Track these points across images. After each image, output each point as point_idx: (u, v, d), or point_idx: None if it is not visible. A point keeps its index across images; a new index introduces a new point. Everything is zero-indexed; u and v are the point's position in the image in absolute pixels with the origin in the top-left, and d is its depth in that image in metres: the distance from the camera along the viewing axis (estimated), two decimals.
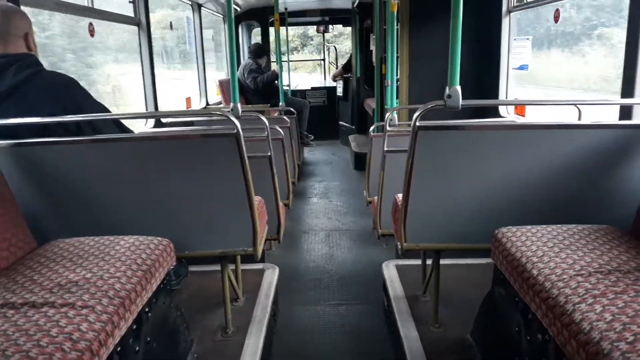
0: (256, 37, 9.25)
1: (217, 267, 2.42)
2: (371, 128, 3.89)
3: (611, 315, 1.27)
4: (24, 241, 1.85)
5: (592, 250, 1.66)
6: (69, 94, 2.06)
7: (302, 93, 9.35)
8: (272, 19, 5.95)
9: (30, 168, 2.02)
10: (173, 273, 2.77)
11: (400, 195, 2.27)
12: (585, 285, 1.43)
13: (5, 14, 2.05)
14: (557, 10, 3.50)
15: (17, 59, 2.02)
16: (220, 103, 6.94)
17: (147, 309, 1.77)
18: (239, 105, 3.07)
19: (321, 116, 9.10)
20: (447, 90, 1.92)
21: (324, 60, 11.06)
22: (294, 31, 13.52)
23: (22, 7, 2.35)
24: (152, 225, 2.10)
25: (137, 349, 1.67)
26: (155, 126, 4.52)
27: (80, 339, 1.27)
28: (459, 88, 1.92)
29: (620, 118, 2.62)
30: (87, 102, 2.13)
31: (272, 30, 8.14)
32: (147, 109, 4.53)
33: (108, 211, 2.11)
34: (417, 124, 1.97)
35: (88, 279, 1.57)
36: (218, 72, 7.80)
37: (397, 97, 4.53)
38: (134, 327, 1.64)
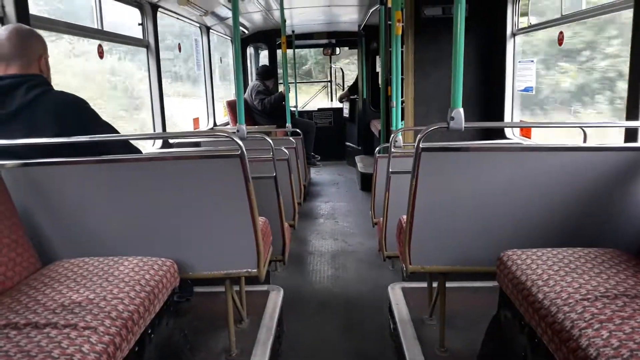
0: (264, 59, 9.36)
1: (222, 288, 2.41)
2: (377, 149, 3.90)
3: (618, 342, 1.25)
4: (29, 261, 1.86)
5: (599, 274, 1.64)
6: (74, 114, 2.08)
7: (308, 114, 9.41)
8: (280, 41, 6.03)
9: (36, 188, 2.04)
10: (177, 294, 2.76)
11: (405, 217, 2.26)
12: (591, 310, 1.41)
13: (24, 36, 2.10)
14: (561, 32, 3.52)
15: (28, 78, 2.06)
16: (227, 124, 7.00)
17: (149, 331, 1.76)
18: (244, 126, 3.09)
19: (328, 137, 9.14)
20: (450, 112, 1.93)
21: (330, 82, 11.14)
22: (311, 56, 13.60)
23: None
24: (156, 245, 2.11)
25: None
26: (162, 147, 4.56)
27: None
28: (461, 110, 1.93)
29: (626, 140, 2.61)
30: (93, 123, 2.15)
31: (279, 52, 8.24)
32: (154, 130, 4.58)
33: (113, 231, 2.12)
34: (421, 145, 1.97)
35: (91, 299, 1.57)
36: (225, 92, 7.89)
37: (402, 119, 4.54)
38: (137, 349, 1.63)
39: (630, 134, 2.60)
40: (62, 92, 2.18)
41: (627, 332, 1.28)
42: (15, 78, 2.04)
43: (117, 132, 2.27)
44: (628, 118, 2.56)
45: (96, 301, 1.56)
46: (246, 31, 7.91)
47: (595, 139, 2.87)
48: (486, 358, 2.21)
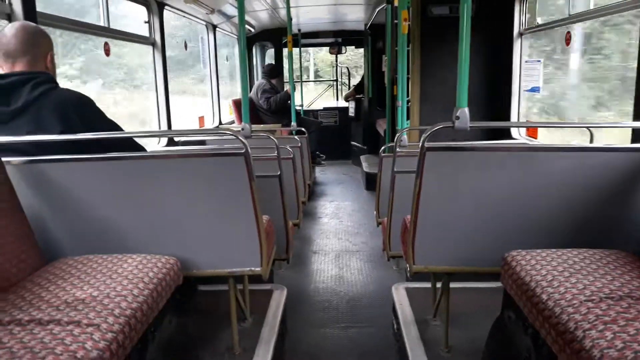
0: (270, 57, 9.37)
1: (226, 287, 2.42)
2: (382, 148, 3.90)
3: (622, 343, 1.24)
4: (33, 258, 1.87)
5: (603, 275, 1.63)
6: (78, 112, 2.08)
7: (314, 113, 9.41)
8: (286, 40, 6.03)
9: (41, 185, 2.05)
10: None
11: (409, 217, 2.25)
12: (595, 311, 1.40)
13: (30, 34, 2.11)
14: (568, 32, 3.50)
15: (35, 76, 2.07)
16: (233, 122, 7.01)
17: (153, 328, 1.76)
18: (249, 125, 3.09)
19: (333, 136, 9.13)
20: (455, 112, 1.93)
21: (336, 81, 11.14)
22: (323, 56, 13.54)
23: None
24: (160, 243, 2.11)
25: None
26: (167, 145, 4.58)
27: (85, 358, 1.27)
28: (467, 109, 1.92)
29: (633, 141, 2.60)
30: (98, 120, 2.16)
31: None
32: (160, 128, 4.59)
33: (117, 229, 2.13)
34: (426, 145, 1.97)
35: (95, 297, 1.57)
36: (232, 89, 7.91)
37: (408, 118, 4.54)
38: (140, 346, 1.64)
39: (637, 135, 2.58)
40: (68, 90, 2.19)
41: (631, 334, 1.27)
42: (21, 75, 2.05)
43: (121, 130, 2.28)
44: (635, 118, 2.54)
45: (99, 298, 1.56)
46: (252, 30, 7.92)
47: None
48: (490, 359, 2.21)
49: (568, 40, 3.51)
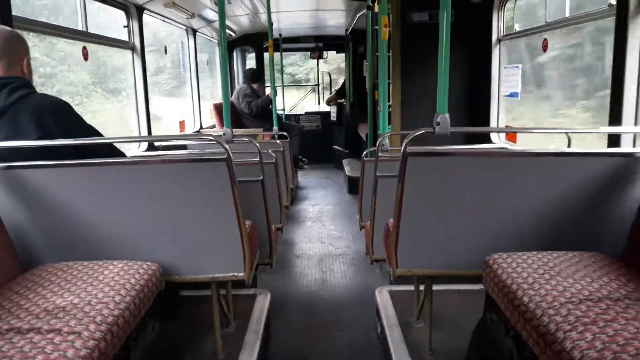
0: (251, 61, 9.35)
1: (209, 292, 2.40)
2: (364, 153, 3.92)
3: (602, 344, 1.27)
4: (11, 265, 1.84)
5: (583, 277, 1.67)
6: (55, 117, 2.04)
7: (296, 118, 9.40)
8: (267, 44, 6.04)
9: (19, 191, 2.01)
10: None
11: (392, 220, 2.27)
12: (575, 312, 1.43)
13: (6, 38, 2.07)
14: (545, 39, 3.57)
15: (11, 81, 2.03)
16: (214, 126, 6.97)
17: (135, 335, 1.74)
18: (230, 129, 3.07)
19: (315, 140, 9.14)
20: (436, 118, 1.95)
21: (317, 85, 11.16)
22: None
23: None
24: (141, 249, 2.09)
25: None
26: (148, 149, 4.53)
27: None
28: (447, 115, 1.94)
29: (609, 145, 2.65)
30: (76, 126, 2.12)
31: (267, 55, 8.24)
32: (140, 133, 4.54)
33: (97, 235, 2.10)
34: (407, 149, 1.98)
35: (75, 304, 1.55)
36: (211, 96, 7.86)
37: (389, 123, 4.57)
38: (122, 353, 1.62)
39: (613, 140, 2.64)
40: (45, 95, 2.15)
41: (610, 335, 1.30)
42: None
43: (101, 135, 2.25)
44: (611, 124, 2.60)
45: (80, 306, 1.54)
46: (233, 34, 7.90)
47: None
48: None
49: (545, 46, 3.58)
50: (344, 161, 7.66)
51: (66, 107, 2.14)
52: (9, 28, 2.17)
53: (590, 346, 1.27)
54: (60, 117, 2.08)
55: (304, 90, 11.70)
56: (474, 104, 4.73)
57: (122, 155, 2.40)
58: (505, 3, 4.30)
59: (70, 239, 2.10)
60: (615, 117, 2.56)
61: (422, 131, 1.97)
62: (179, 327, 2.71)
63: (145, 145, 4.55)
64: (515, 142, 4.13)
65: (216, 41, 7.45)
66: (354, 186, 6.51)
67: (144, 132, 4.57)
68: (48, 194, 2.03)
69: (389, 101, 4.56)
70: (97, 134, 2.21)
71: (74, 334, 1.39)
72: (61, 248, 2.09)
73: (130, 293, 1.69)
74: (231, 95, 7.12)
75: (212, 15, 5.93)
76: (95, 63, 4.31)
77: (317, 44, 9.37)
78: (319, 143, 9.18)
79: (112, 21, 4.41)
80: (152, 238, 2.13)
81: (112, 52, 4.53)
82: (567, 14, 3.37)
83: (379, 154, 3.03)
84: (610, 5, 2.76)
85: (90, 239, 2.10)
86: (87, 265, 1.87)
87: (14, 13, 2.54)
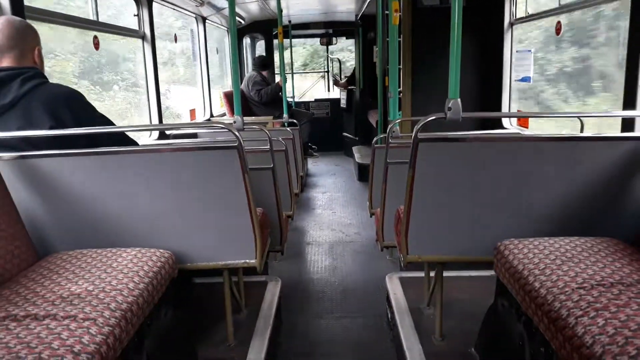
0: (261, 49, 9.32)
1: (220, 279, 2.42)
2: (374, 140, 3.91)
3: (614, 329, 1.26)
4: (27, 253, 1.86)
5: (595, 262, 1.65)
6: (66, 106, 2.06)
7: (305, 105, 9.38)
8: (276, 31, 6.00)
9: (33, 180, 2.04)
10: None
11: (402, 207, 2.27)
12: (587, 298, 1.43)
13: (17, 28, 2.08)
14: (559, 22, 3.52)
15: (24, 71, 2.05)
16: (224, 115, 6.98)
17: (149, 322, 1.76)
18: (241, 117, 3.08)
19: (325, 128, 9.12)
20: (447, 103, 1.93)
21: (327, 72, 11.10)
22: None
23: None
24: (154, 237, 2.11)
25: None
26: (159, 138, 4.55)
27: (82, 352, 1.27)
28: (459, 100, 1.93)
29: (622, 130, 2.62)
30: (88, 115, 2.14)
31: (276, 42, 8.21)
32: (151, 122, 4.56)
33: (110, 223, 2.12)
34: (418, 135, 1.98)
35: (90, 291, 1.57)
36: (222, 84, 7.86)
37: (400, 109, 4.54)
38: (136, 339, 1.64)
39: (626, 124, 2.60)
40: (57, 85, 2.17)
41: (622, 320, 1.29)
42: (9, 70, 2.03)
43: (113, 124, 2.26)
44: (625, 108, 2.57)
45: (95, 293, 1.56)
46: (242, 21, 7.87)
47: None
48: (483, 346, 2.24)
49: (558, 29, 3.53)
50: (354, 148, 7.64)
51: (79, 96, 2.16)
52: (19, 18, 2.18)
53: (602, 331, 1.26)
54: (73, 106, 2.10)
55: (311, 78, 11.65)
56: (485, 89, 4.68)
57: (135, 144, 2.41)
58: None
59: (84, 227, 2.12)
60: (629, 101, 2.52)
61: (434, 117, 1.95)
62: (191, 313, 2.74)
63: (156, 134, 4.58)
64: (527, 127, 4.09)
65: (226, 29, 7.42)
66: (363, 173, 6.51)
67: (155, 121, 4.59)
68: (62, 182, 2.06)
69: (399, 87, 4.53)
70: (110, 123, 2.23)
71: (89, 320, 1.41)
72: (75, 236, 2.12)
73: (143, 280, 1.71)
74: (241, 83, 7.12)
75: (222, 2, 5.90)
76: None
77: (327, 30, 9.31)
78: (328, 130, 9.16)
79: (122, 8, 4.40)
80: (164, 226, 2.15)
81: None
82: None
83: (390, 140, 3.02)
84: None
85: (104, 227, 2.13)
86: (100, 252, 1.89)
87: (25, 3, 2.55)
